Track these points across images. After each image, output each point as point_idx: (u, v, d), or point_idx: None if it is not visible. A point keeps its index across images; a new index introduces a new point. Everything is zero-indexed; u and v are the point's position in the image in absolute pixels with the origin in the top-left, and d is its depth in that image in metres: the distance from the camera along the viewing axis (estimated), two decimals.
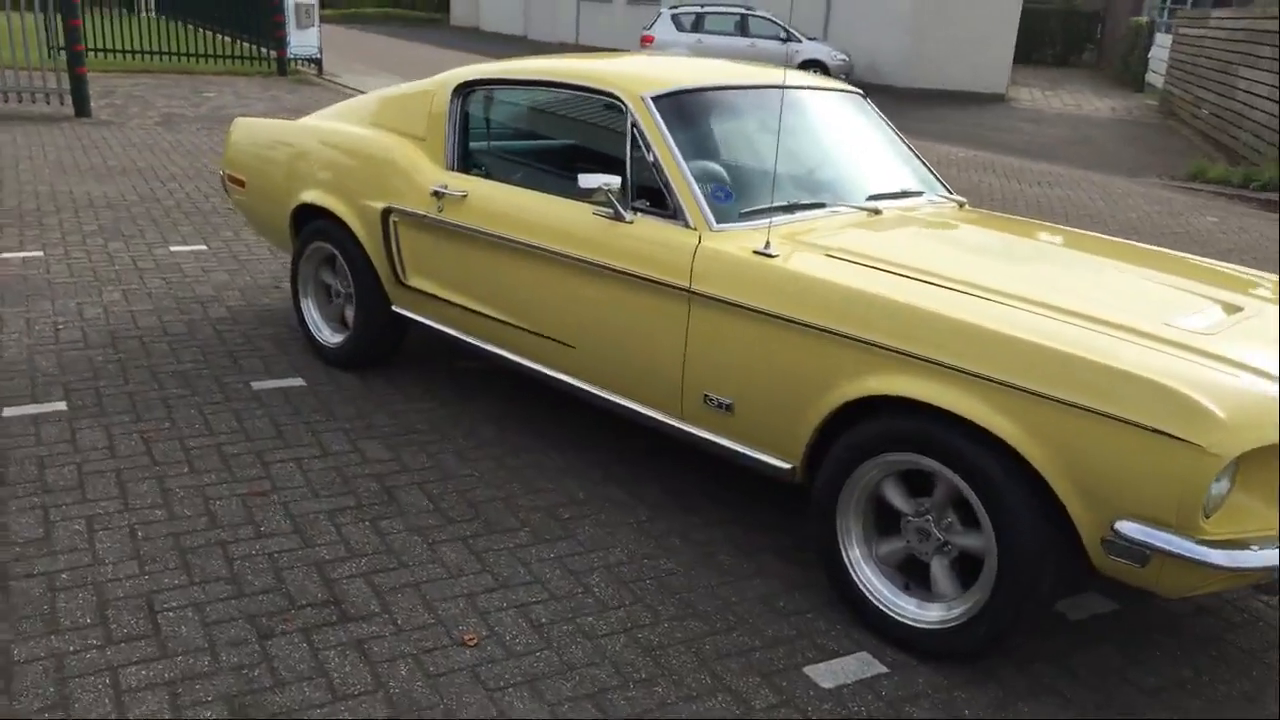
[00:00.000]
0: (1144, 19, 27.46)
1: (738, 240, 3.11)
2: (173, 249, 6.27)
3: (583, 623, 2.81)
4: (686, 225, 3.19)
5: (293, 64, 17.36)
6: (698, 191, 3.23)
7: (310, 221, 4.49)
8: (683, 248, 3.14)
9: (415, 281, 4.05)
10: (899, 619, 2.76)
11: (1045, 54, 33.47)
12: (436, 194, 3.87)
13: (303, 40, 17.31)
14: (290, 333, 4.93)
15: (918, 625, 2.73)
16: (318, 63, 17.55)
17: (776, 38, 20.72)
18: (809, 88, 3.89)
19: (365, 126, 4.34)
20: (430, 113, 4.05)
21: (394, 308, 4.24)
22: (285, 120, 4.82)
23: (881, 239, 3.21)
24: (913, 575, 2.83)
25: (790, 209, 3.34)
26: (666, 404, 3.27)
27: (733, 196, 3.29)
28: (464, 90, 3.96)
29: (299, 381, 4.36)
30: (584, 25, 31.44)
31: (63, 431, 3.74)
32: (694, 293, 3.08)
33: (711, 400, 3.11)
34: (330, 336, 4.56)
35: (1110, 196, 10.88)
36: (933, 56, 21.37)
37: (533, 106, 3.90)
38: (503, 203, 3.68)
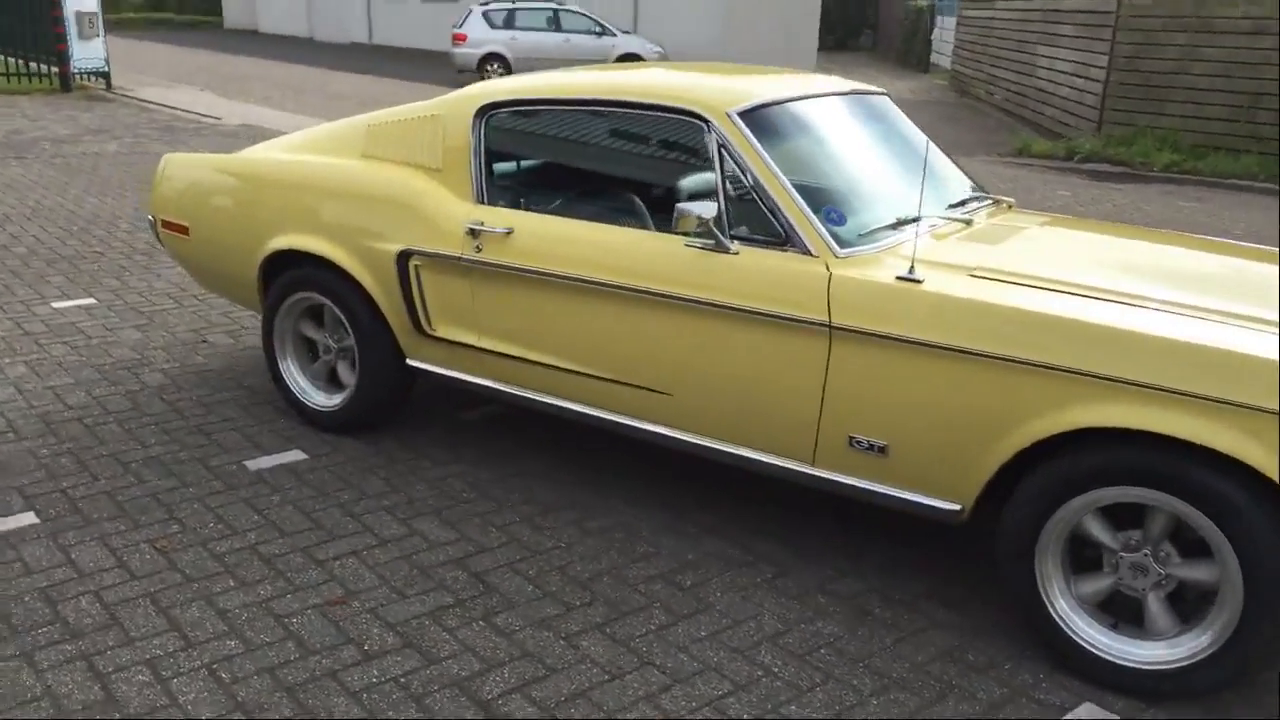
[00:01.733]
0: (924, 3, 28.88)
1: (871, 266, 2.86)
2: (55, 305, 5.43)
3: (789, 713, 2.50)
4: (807, 253, 2.91)
5: (78, 79, 15.78)
6: (813, 215, 2.95)
7: (286, 270, 3.92)
8: (812, 278, 2.86)
9: (445, 331, 3.58)
10: (1118, 662, 2.60)
11: (826, 39, 34.72)
12: (472, 232, 3.42)
13: (87, 52, 15.78)
14: (252, 396, 4.32)
15: (1143, 667, 2.57)
16: (106, 76, 16.03)
17: (591, 32, 20.50)
18: (860, 92, 3.66)
19: (355, 159, 3.81)
20: (444, 140, 3.58)
21: (410, 361, 3.75)
22: (233, 156, 4.19)
23: (1012, 252, 3.03)
24: (1117, 613, 2.67)
25: (896, 226, 3.11)
26: (794, 449, 2.99)
27: (845, 218, 3.03)
28: (488, 113, 3.52)
29: (299, 455, 3.79)
30: (377, 24, 30.22)
31: (50, 552, 3.08)
32: (836, 327, 2.80)
33: (859, 443, 2.85)
34: (322, 399, 4.00)
35: None
36: (744, 46, 21.69)
37: (577, 128, 3.49)
38: (563, 238, 3.28)
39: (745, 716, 2.48)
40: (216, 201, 4.08)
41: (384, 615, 2.83)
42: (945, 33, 25.10)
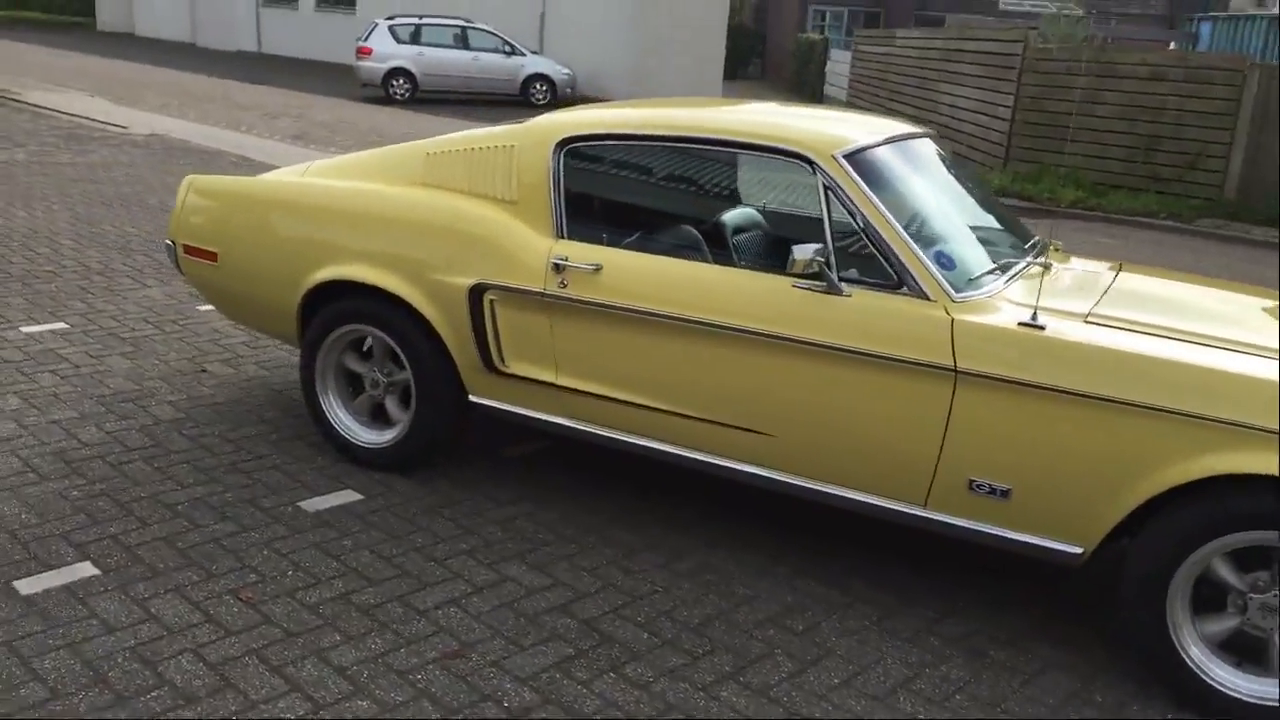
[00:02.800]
0: (817, 35, 29.71)
1: (989, 311, 2.92)
2: (25, 330, 5.07)
3: None
4: (923, 297, 2.95)
5: None
6: (927, 259, 2.99)
7: (332, 301, 3.75)
8: (933, 323, 2.90)
9: (518, 368, 3.48)
10: (1253, 702, 2.68)
11: None
12: (557, 267, 3.34)
13: None
14: (278, 430, 4.11)
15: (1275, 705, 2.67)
16: None
17: (500, 51, 20.35)
18: (916, 135, 3.70)
19: (414, 187, 3.68)
20: (519, 172, 3.49)
21: (473, 398, 3.63)
22: (271, 180, 4.00)
23: (1115, 298, 3.13)
24: (1239, 651, 2.77)
25: (997, 271, 3.18)
26: (905, 491, 3.02)
27: (955, 262, 3.08)
28: (568, 145, 3.44)
29: (353, 495, 3.63)
30: (266, 32, 29.32)
31: (126, 607, 2.86)
32: (962, 372, 2.84)
33: (981, 486, 2.89)
34: (371, 436, 3.83)
35: None
36: (653, 70, 21.86)
37: (668, 164, 3.44)
38: (659, 276, 3.24)
39: None
40: (254, 228, 3.88)
41: (509, 668, 2.73)
42: (839, 65, 25.84)
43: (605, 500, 3.71)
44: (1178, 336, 2.81)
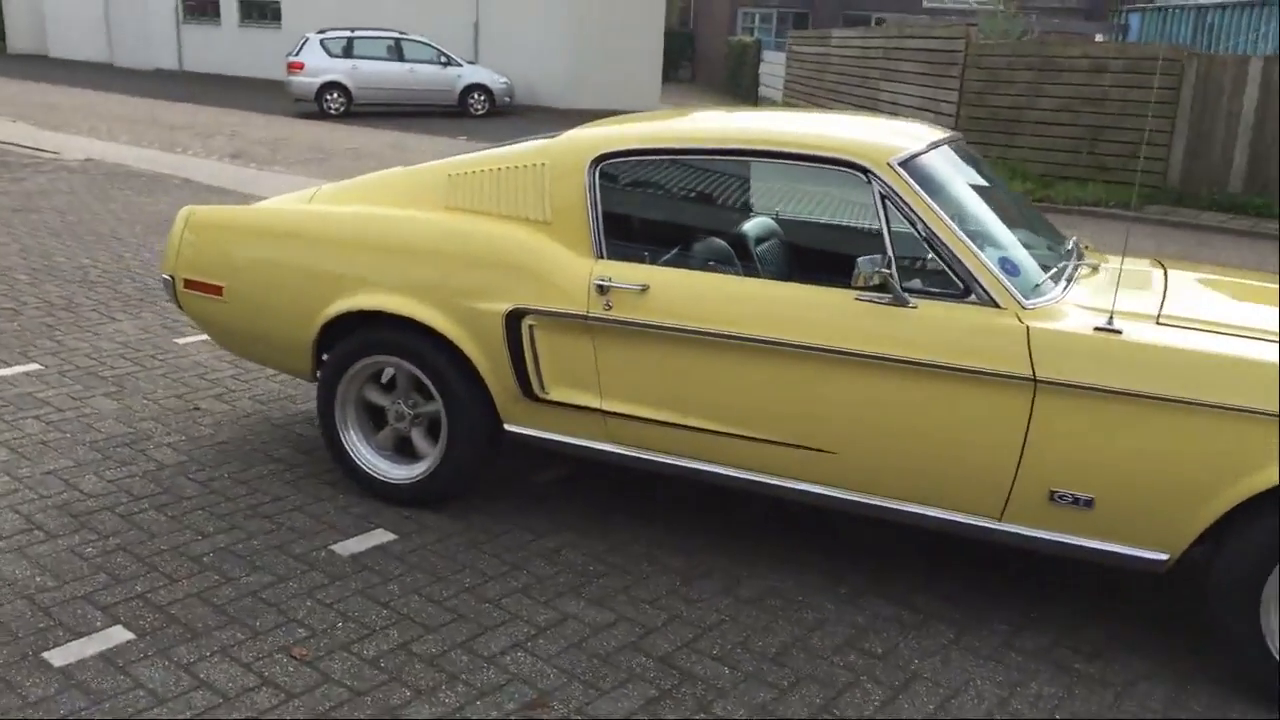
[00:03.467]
0: (749, 38, 29.85)
1: (1060, 318, 2.85)
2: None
3: None
4: (993, 305, 2.87)
5: None
6: (994, 266, 2.92)
7: (351, 333, 3.56)
8: (1008, 331, 2.82)
9: (560, 394, 3.33)
10: None
11: None
12: (600, 288, 3.20)
13: None
14: (291, 469, 3.91)
15: None
16: None
17: (435, 62, 20.03)
18: (952, 139, 3.63)
19: (437, 211, 3.51)
20: (552, 192, 3.34)
21: (509, 427, 3.47)
22: (277, 208, 3.79)
23: (1176, 298, 3.08)
24: None
25: (1055, 275, 3.12)
26: (979, 505, 2.94)
27: (1019, 268, 3.01)
28: (604, 162, 3.31)
29: (386, 535, 3.45)
30: (188, 49, 28.56)
31: (173, 674, 2.66)
32: (1042, 381, 2.77)
33: (1063, 497, 2.82)
34: (398, 471, 3.64)
35: None
36: (591, 78, 21.74)
37: (711, 178, 3.32)
38: (712, 294, 3.12)
39: None
40: (264, 260, 3.67)
41: (596, 715, 2.58)
42: (774, 66, 25.99)
43: (646, 526, 3.58)
44: (1253, 335, 2.77)
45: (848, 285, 2.97)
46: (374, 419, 3.74)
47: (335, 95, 19.06)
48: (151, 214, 8.79)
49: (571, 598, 3.12)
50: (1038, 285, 2.99)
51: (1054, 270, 3.14)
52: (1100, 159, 13.22)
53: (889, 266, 2.92)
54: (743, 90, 28.31)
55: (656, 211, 3.42)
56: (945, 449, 2.92)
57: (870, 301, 2.96)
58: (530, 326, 3.29)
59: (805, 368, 3.02)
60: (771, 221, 3.44)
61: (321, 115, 18.73)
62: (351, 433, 3.70)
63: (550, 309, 3.26)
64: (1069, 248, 3.49)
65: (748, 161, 3.26)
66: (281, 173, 11.74)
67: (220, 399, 4.61)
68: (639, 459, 3.32)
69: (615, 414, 3.29)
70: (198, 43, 28.37)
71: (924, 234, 2.96)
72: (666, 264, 3.24)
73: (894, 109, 16.44)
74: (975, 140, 13.96)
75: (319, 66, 19.12)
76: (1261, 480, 2.61)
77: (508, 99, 20.50)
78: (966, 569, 3.38)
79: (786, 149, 3.15)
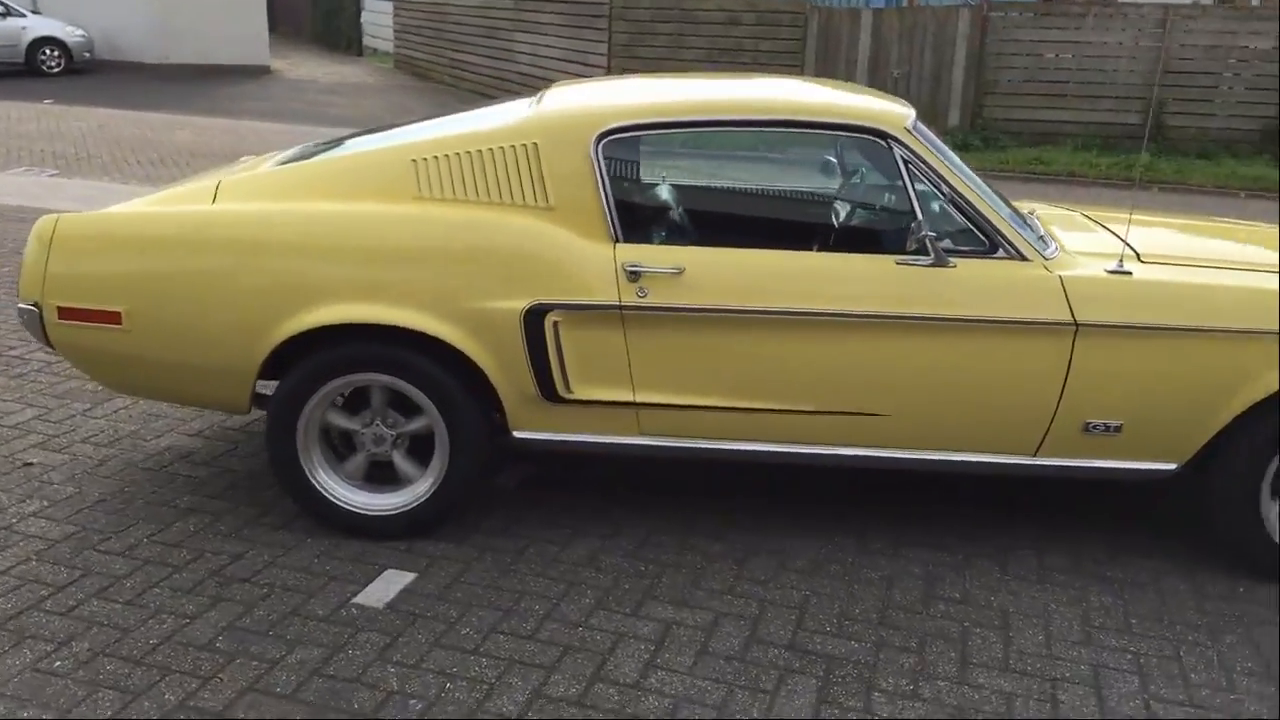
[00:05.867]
0: None
1: (1075, 266, 3.11)
2: None
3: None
4: (1021, 259, 3.07)
5: None
6: (1017, 223, 3.12)
7: (310, 352, 3.07)
8: (1045, 282, 3.04)
9: (587, 391, 3.10)
10: None
11: None
12: (632, 275, 3.01)
13: None
14: (218, 518, 3.31)
15: None
16: None
17: None
18: None
19: (407, 203, 3.08)
20: (550, 174, 3.06)
21: (519, 434, 3.18)
22: (185, 210, 3.12)
23: (1145, 240, 3.39)
24: None
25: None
26: (1017, 445, 3.17)
27: (1025, 223, 3.23)
28: (609, 138, 3.08)
29: (404, 575, 3.04)
30: None
31: None
32: (1082, 324, 3.02)
33: (1095, 427, 3.11)
34: (381, 501, 3.20)
35: None
36: (184, 30, 19.52)
37: (723, 149, 3.19)
38: (752, 270, 3.04)
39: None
40: (181, 274, 3.03)
41: (784, 717, 2.50)
42: (378, 15, 24.96)
43: (645, 516, 3.45)
44: (1224, 266, 3.19)
45: (879, 251, 3.04)
46: (335, 447, 3.25)
47: None
48: None
49: (653, 603, 2.96)
50: (1042, 237, 3.23)
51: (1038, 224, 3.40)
52: None
53: (922, 230, 3.01)
54: (342, 42, 26.93)
55: (671, 188, 3.25)
56: (990, 398, 3.09)
57: (910, 265, 3.04)
58: (555, 323, 3.02)
59: (852, 336, 3.05)
60: (795, 191, 3.40)
61: None
62: (318, 468, 3.19)
63: (578, 302, 3.01)
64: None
65: (762, 132, 3.19)
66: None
67: (46, 448, 3.76)
68: (676, 449, 3.19)
69: (649, 405, 3.12)
70: None
71: (948, 194, 3.08)
72: (695, 244, 3.11)
73: (535, 62, 16.50)
74: None
75: None
76: (1260, 389, 3.04)
77: (87, 54, 17.96)
78: (951, 507, 3.61)
79: (806, 118, 3.12)
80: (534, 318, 3.01)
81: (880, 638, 2.84)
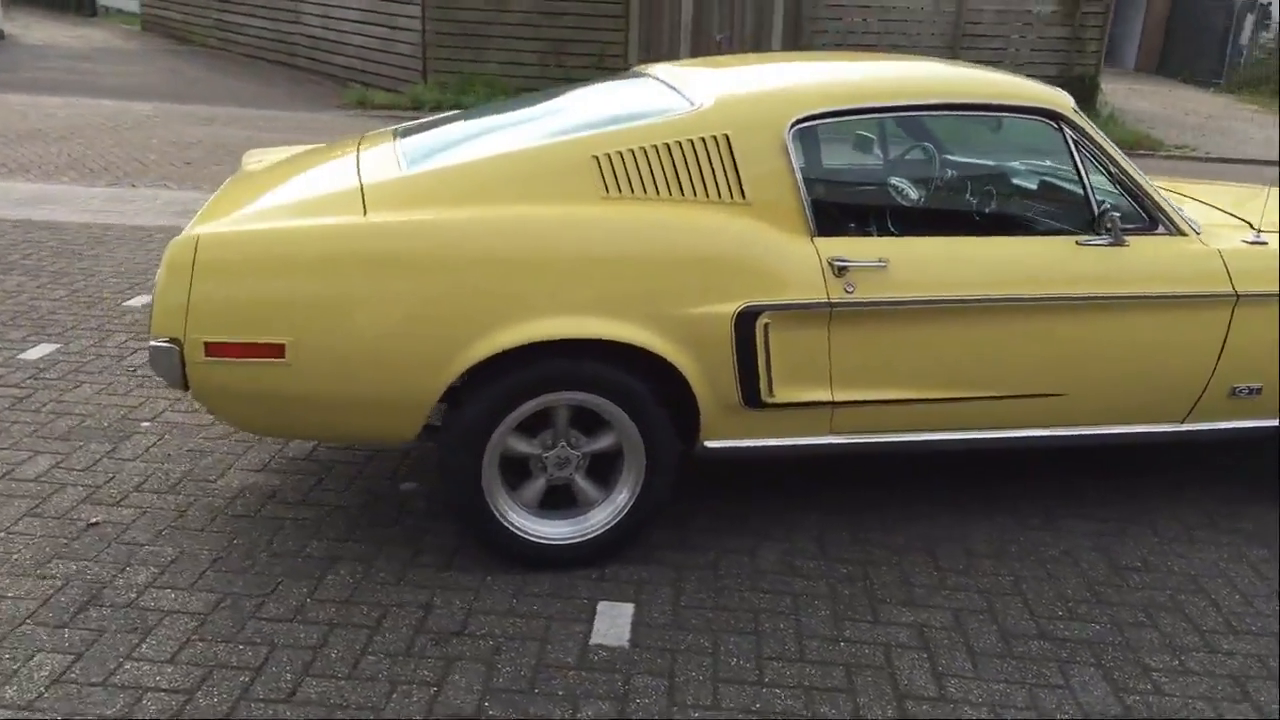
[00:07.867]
0: None
1: (1221, 239, 3.26)
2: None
3: None
4: (1180, 234, 3.19)
5: None
6: (1169, 200, 3.23)
7: (492, 375, 2.76)
8: (1208, 257, 3.18)
9: (789, 394, 2.95)
10: None
11: None
12: (839, 269, 2.88)
13: None
14: (365, 563, 2.93)
15: None
16: None
17: None
18: None
19: (594, 205, 2.81)
20: (745, 165, 2.87)
21: (711, 443, 3.00)
22: (344, 223, 2.68)
23: (1239, 208, 3.59)
24: None
25: None
26: (1169, 413, 3.31)
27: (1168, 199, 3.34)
28: (801, 125, 2.92)
29: (623, 608, 2.81)
30: None
31: None
32: (1241, 295, 3.17)
33: (1240, 390, 3.30)
34: (560, 530, 2.93)
35: (330, 131, 10.19)
36: None
37: (903, 135, 3.07)
38: (951, 259, 2.99)
39: None
40: (358, 298, 2.62)
41: (1086, 704, 2.50)
42: None
43: (789, 510, 3.36)
44: None
45: (1058, 233, 3.08)
46: (507, 474, 2.95)
47: None
48: None
49: (885, 607, 2.89)
50: (1181, 211, 3.35)
51: None
52: (569, 71, 13.93)
53: (1107, 210, 3.07)
54: (73, 4, 24.27)
55: (860, 176, 3.13)
56: (1155, 370, 3.20)
57: (1090, 246, 3.09)
58: (765, 325, 2.85)
59: (1039, 318, 3.07)
60: (972, 176, 3.33)
61: None
62: (501, 500, 2.88)
63: (790, 301, 2.85)
64: None
65: (941, 116, 3.11)
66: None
67: (99, 502, 3.19)
68: (866, 445, 3.11)
69: (845, 403, 3.02)
70: None
71: (1115, 173, 3.14)
72: (890, 234, 3.01)
73: (328, 24, 15.51)
74: (447, 58, 13.86)
75: None
76: None
77: None
78: (972, 473, 3.69)
79: (978, 100, 3.09)
80: (745, 321, 2.83)
81: (1110, 616, 2.90)
